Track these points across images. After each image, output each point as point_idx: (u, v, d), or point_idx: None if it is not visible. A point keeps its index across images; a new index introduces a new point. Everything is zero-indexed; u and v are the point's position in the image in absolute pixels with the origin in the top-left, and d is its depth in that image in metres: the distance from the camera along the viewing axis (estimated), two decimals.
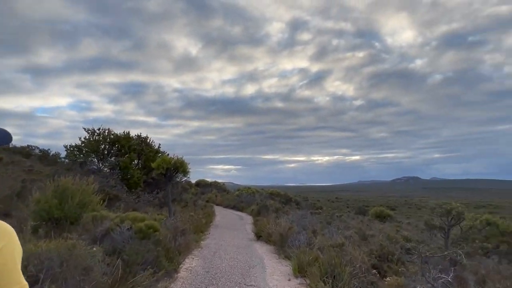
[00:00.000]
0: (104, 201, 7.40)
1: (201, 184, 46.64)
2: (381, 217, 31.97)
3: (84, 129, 15.11)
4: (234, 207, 23.91)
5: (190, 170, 9.65)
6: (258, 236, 10.37)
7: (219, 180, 51.53)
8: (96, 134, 14.96)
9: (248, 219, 17.81)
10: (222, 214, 19.79)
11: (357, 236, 11.16)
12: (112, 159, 14.74)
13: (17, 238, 0.93)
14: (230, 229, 13.42)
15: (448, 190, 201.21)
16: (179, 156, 9.45)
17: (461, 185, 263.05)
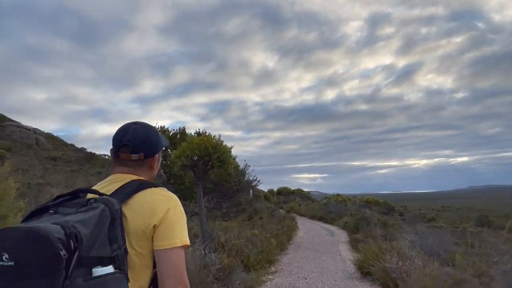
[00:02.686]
0: None
1: (283, 192, 43.50)
2: None
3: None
4: (321, 219, 20.00)
5: (233, 158, 6.15)
6: (364, 272, 6.29)
7: (305, 189, 47.29)
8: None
9: (340, 234, 13.66)
10: (306, 228, 16.10)
11: None
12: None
13: (180, 204, 1.13)
14: (317, 251, 9.60)
15: None
16: (214, 136, 6.07)
17: None
